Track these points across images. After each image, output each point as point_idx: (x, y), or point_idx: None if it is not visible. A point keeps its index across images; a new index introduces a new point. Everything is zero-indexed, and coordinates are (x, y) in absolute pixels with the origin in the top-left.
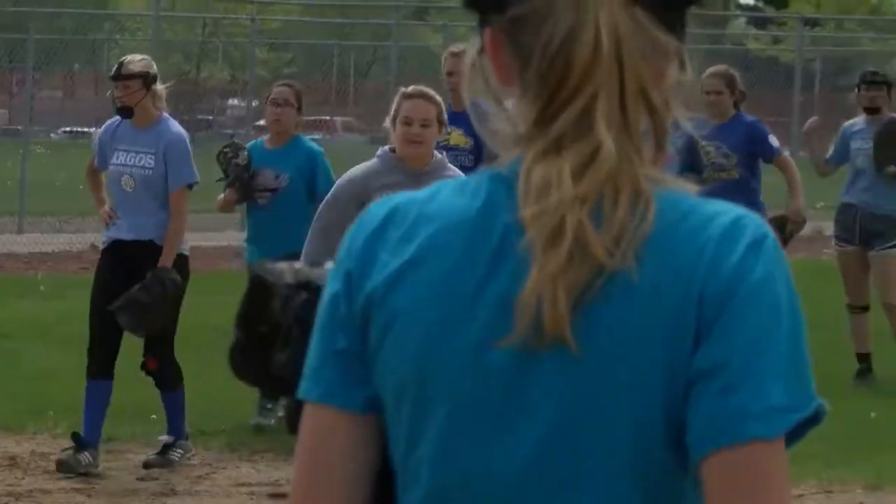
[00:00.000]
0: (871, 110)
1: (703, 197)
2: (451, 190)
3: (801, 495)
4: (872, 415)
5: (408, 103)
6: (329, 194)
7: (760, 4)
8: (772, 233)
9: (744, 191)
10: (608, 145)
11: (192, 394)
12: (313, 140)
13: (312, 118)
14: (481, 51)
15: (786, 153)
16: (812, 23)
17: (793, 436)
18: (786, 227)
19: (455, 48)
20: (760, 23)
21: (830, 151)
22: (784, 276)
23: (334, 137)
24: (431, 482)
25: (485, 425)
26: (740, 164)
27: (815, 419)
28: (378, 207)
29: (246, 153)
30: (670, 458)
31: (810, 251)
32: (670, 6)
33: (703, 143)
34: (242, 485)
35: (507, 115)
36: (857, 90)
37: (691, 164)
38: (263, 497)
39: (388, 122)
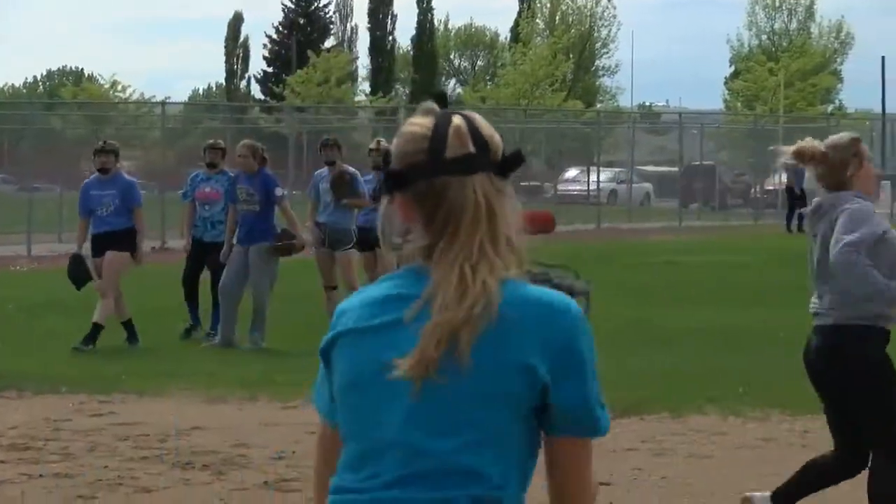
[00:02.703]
0: (329, 163)
1: (526, 282)
2: (387, 282)
3: None
4: None
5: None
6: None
7: (268, 99)
8: (575, 305)
9: (262, 218)
10: (488, 265)
11: None
12: None
13: None
14: (390, 202)
15: (285, 200)
16: (300, 110)
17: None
18: (294, 247)
19: (247, 142)
20: (268, 111)
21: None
22: (588, 334)
23: None
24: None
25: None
26: (260, 202)
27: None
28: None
29: None
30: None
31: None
32: (506, 171)
33: (239, 185)
34: None
35: (410, 238)
36: (320, 150)
37: (234, 198)
38: None
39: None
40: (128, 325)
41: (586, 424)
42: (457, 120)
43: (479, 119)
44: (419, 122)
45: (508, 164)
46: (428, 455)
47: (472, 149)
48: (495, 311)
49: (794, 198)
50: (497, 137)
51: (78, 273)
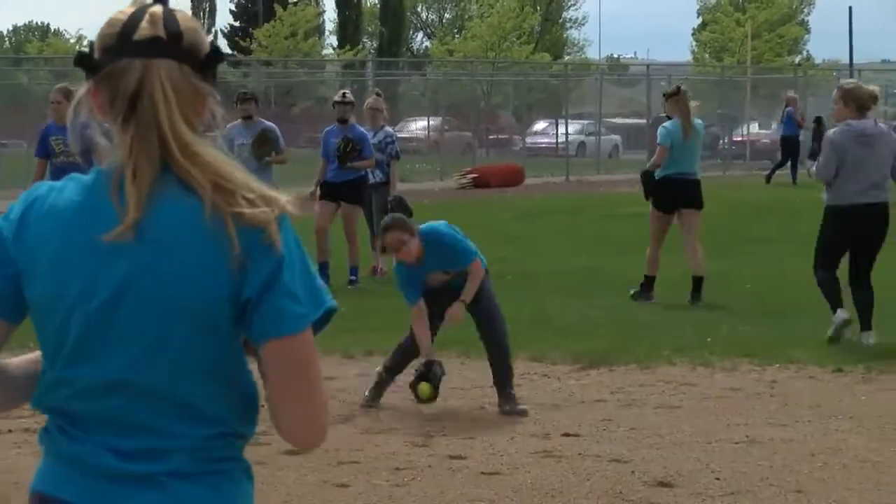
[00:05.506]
0: (246, 118)
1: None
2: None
3: None
4: None
5: None
6: None
7: (236, 53)
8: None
9: (84, 171)
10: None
11: None
12: None
13: None
14: (87, 92)
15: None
16: (268, 64)
17: (317, 326)
18: None
19: (60, 86)
20: (235, 65)
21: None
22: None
23: None
24: None
25: None
26: (81, 153)
27: (327, 315)
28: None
29: None
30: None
31: None
32: (205, 67)
33: (53, 137)
34: None
35: (104, 132)
36: (236, 104)
37: (46, 152)
38: None
39: None
40: None
41: None
42: (156, 7)
43: (184, 13)
44: (122, 10)
45: (207, 62)
46: None
47: (161, 34)
48: None
49: (789, 150)
50: (200, 34)
51: None
